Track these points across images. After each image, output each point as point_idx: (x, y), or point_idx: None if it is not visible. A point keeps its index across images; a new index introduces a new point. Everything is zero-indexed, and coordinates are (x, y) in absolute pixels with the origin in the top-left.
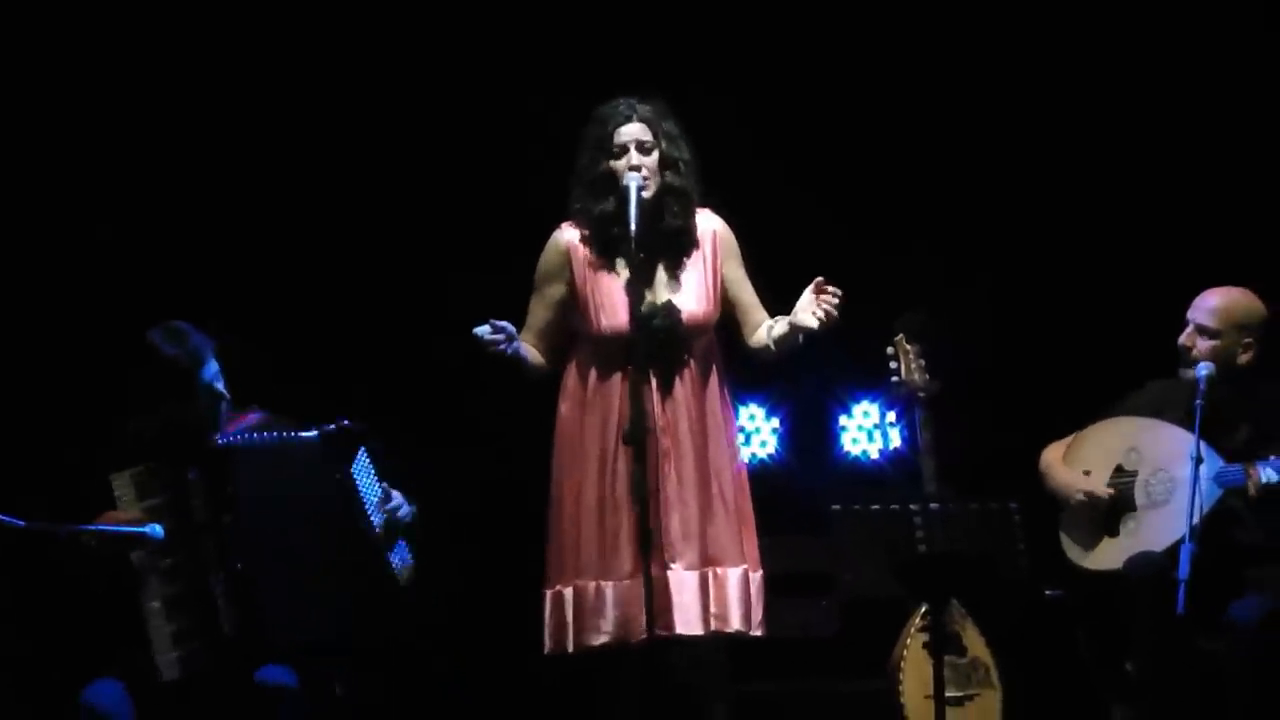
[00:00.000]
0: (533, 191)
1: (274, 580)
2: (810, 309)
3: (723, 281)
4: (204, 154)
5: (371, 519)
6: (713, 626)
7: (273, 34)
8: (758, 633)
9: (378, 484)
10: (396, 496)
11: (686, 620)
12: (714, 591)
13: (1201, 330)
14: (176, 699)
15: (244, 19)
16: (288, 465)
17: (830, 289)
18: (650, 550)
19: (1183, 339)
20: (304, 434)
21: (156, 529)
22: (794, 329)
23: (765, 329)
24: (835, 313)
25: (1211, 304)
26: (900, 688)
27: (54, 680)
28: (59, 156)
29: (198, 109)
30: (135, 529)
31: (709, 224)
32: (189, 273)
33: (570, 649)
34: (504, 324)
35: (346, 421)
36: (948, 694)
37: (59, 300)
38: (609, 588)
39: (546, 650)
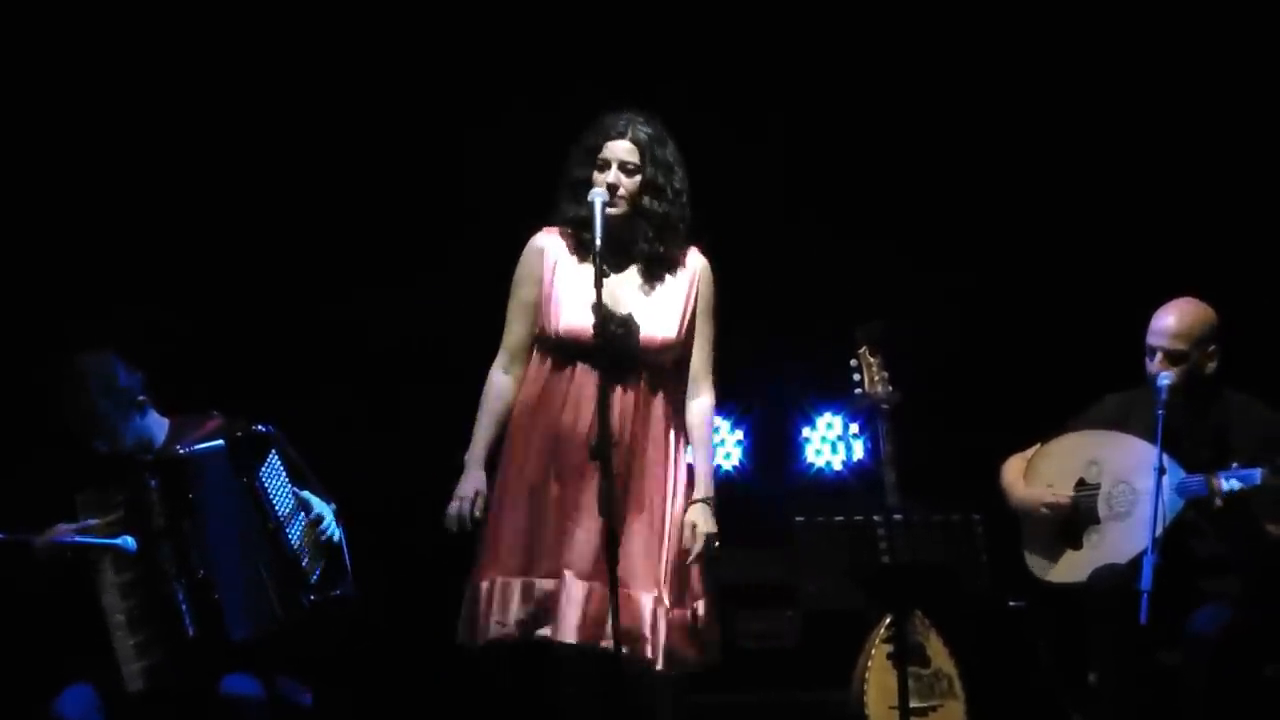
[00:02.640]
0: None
1: (225, 582)
2: (685, 543)
3: (691, 320)
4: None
5: (285, 526)
6: (603, 644)
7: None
8: (660, 667)
9: (290, 489)
10: (316, 504)
11: (635, 642)
12: (623, 613)
13: (1169, 355)
14: (143, 710)
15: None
16: (212, 473)
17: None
18: (615, 562)
19: (1153, 367)
20: (211, 443)
21: (129, 540)
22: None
23: (690, 436)
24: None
25: (1171, 327)
26: (864, 698)
27: (24, 689)
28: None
29: (125, 118)
30: (109, 540)
31: (695, 261)
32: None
33: (490, 637)
34: (466, 510)
35: (261, 427)
36: (911, 704)
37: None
38: (549, 585)
39: (462, 638)
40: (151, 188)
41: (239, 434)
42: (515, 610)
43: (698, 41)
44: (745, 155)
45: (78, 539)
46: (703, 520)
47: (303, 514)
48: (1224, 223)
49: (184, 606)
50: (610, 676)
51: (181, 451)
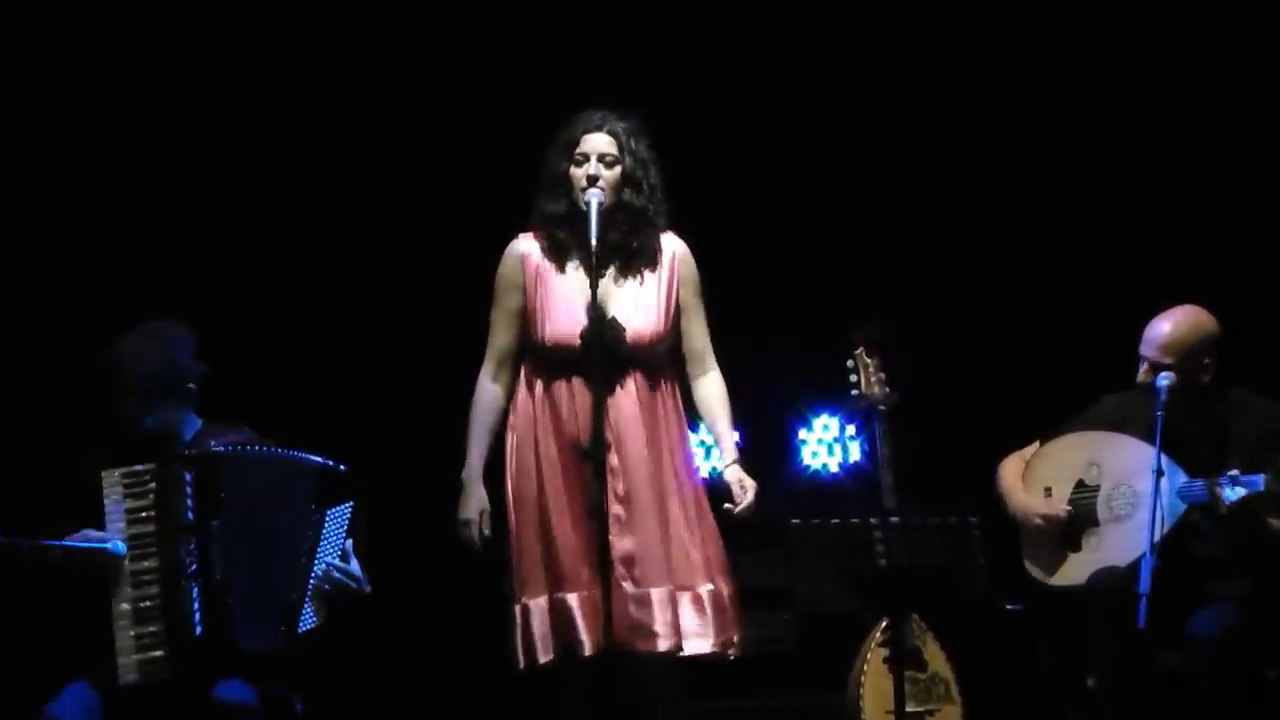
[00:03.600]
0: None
1: (245, 590)
2: (737, 499)
3: (676, 305)
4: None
5: (313, 568)
6: (684, 646)
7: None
8: (734, 652)
9: (341, 543)
10: (355, 565)
11: (651, 636)
12: (681, 611)
13: (1157, 366)
14: (137, 711)
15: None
16: (275, 482)
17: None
18: (608, 567)
19: (1140, 377)
20: (309, 457)
21: (118, 545)
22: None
23: (706, 411)
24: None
25: (1162, 338)
26: (860, 703)
27: (19, 691)
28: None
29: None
30: (97, 544)
31: (671, 245)
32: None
33: (541, 662)
34: (476, 534)
35: (344, 468)
36: (908, 709)
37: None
38: (571, 600)
39: (521, 666)
40: (156, 194)
41: (336, 466)
42: (581, 626)
43: (698, 49)
44: (741, 156)
45: (66, 543)
46: (747, 477)
47: (336, 569)
48: (1222, 222)
49: (196, 605)
50: (612, 682)
51: (284, 453)
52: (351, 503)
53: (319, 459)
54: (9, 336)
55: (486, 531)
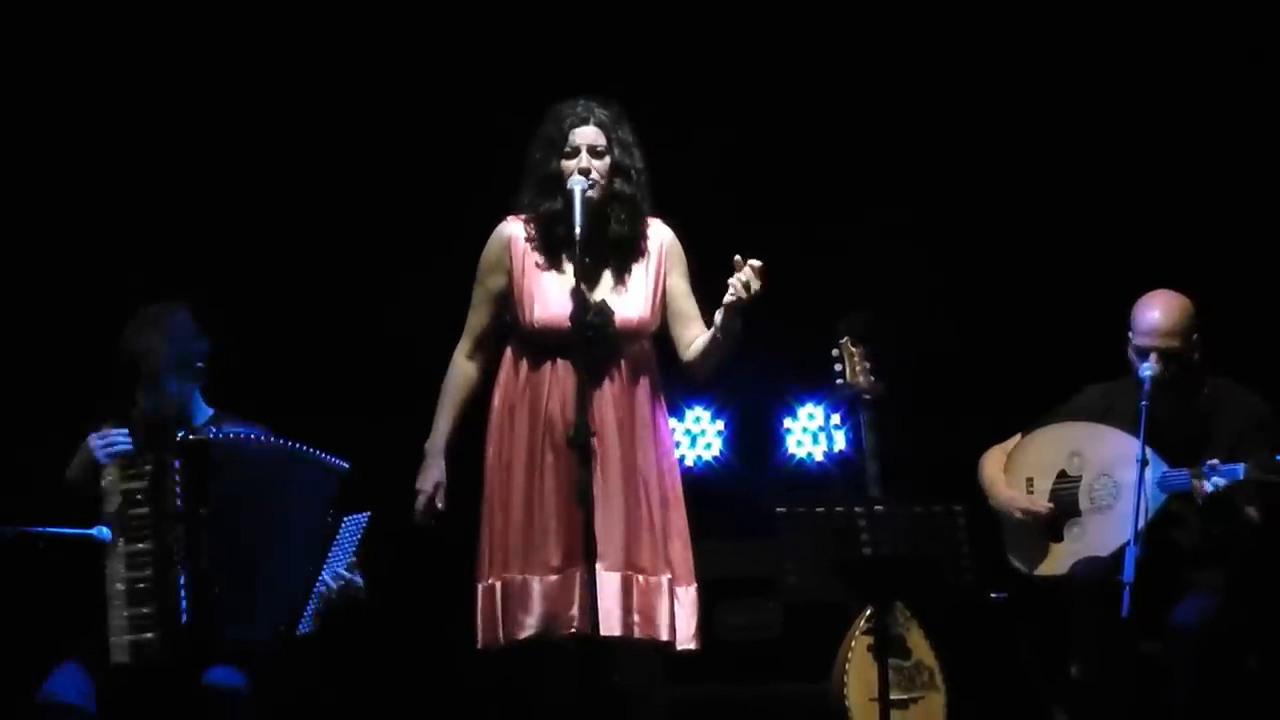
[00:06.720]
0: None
1: (230, 579)
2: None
3: (665, 292)
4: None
5: (322, 573)
6: (636, 633)
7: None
8: (689, 646)
9: (352, 551)
10: (358, 577)
11: (606, 621)
12: (638, 597)
13: (1165, 353)
14: (125, 697)
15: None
16: (288, 479)
17: (749, 262)
18: (593, 552)
19: (1155, 371)
20: (333, 460)
21: (104, 531)
22: (723, 322)
23: (700, 337)
24: (754, 285)
25: (1162, 325)
26: (844, 690)
27: (10, 675)
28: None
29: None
30: (83, 531)
31: (659, 233)
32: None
33: (501, 642)
34: (430, 506)
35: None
36: (892, 696)
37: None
38: (535, 582)
39: (480, 644)
40: (160, 191)
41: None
42: (537, 607)
43: (690, 32)
44: (729, 144)
45: (51, 529)
46: None
47: (344, 577)
48: (1206, 217)
49: (183, 593)
50: (596, 669)
51: (305, 451)
52: (369, 513)
53: (342, 463)
54: (18, 328)
55: (440, 505)
